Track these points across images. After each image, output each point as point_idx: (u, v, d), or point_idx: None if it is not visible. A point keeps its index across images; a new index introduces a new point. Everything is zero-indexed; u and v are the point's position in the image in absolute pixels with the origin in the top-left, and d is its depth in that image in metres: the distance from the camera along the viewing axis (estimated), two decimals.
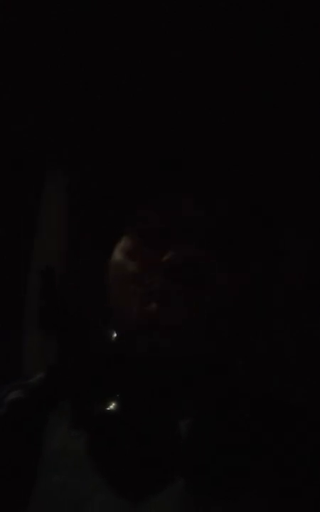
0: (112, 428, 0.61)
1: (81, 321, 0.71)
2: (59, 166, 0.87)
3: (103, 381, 0.65)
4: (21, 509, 0.61)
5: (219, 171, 0.66)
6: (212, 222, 0.63)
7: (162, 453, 0.60)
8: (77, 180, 0.86)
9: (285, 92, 0.74)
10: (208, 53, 0.70)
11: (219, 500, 0.59)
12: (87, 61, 0.71)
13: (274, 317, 0.80)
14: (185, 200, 0.63)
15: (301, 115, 0.76)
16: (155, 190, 0.65)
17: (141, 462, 0.59)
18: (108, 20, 0.66)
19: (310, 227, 0.90)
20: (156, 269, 0.61)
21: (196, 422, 0.62)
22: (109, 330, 0.67)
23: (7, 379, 0.71)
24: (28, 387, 0.68)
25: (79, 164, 0.84)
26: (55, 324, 0.69)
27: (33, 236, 0.94)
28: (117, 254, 0.66)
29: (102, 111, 0.78)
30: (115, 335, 0.67)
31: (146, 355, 0.62)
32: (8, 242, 0.98)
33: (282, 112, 0.76)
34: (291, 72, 0.72)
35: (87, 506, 0.60)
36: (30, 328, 0.91)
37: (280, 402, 0.68)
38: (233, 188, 0.65)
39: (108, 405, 0.62)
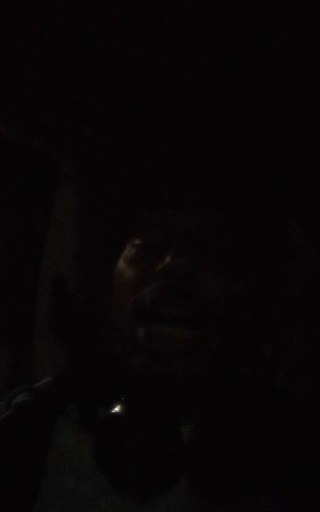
0: (117, 431, 0.61)
1: (90, 326, 0.72)
2: (67, 176, 0.89)
3: (109, 385, 0.66)
4: (27, 511, 0.62)
5: (218, 181, 0.67)
6: (206, 233, 0.64)
7: (166, 455, 0.60)
8: (85, 189, 0.87)
9: (285, 93, 0.73)
10: (208, 61, 0.69)
11: (221, 502, 0.60)
12: (88, 65, 0.71)
13: (282, 320, 0.80)
14: (182, 214, 0.64)
15: (301, 121, 0.76)
16: (156, 201, 0.66)
17: (145, 464, 0.60)
18: (108, 22, 0.66)
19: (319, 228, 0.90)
20: (150, 277, 0.62)
21: (199, 424, 0.62)
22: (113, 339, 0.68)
23: (17, 383, 0.71)
24: (36, 390, 0.69)
25: (86, 174, 0.86)
26: (66, 330, 0.70)
27: (43, 244, 0.95)
28: (120, 262, 0.67)
29: (106, 120, 0.79)
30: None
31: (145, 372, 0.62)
32: (17, 249, 0.99)
33: (282, 119, 0.75)
34: (291, 74, 0.71)
35: (92, 509, 0.60)
36: (39, 334, 0.91)
37: (284, 404, 0.68)
38: (232, 197, 0.66)
39: (113, 409, 0.62)
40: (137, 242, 0.66)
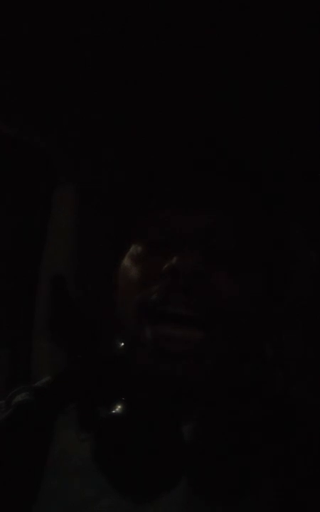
0: (117, 431, 0.61)
1: (90, 326, 0.72)
2: (67, 175, 0.89)
3: (109, 384, 0.66)
4: (26, 511, 0.61)
5: (221, 182, 0.67)
6: (212, 233, 0.64)
7: (166, 455, 0.60)
8: (85, 189, 0.87)
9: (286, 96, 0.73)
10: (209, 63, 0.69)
11: (221, 502, 0.59)
12: (89, 63, 0.71)
13: (283, 320, 0.80)
14: (188, 213, 0.64)
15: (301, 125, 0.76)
16: (156, 202, 0.66)
17: (146, 465, 0.59)
18: (108, 21, 0.65)
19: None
20: (157, 276, 0.62)
21: (199, 424, 0.62)
22: (116, 337, 0.68)
23: (16, 383, 0.71)
24: (35, 389, 0.69)
25: (87, 174, 0.86)
26: (65, 329, 0.70)
27: (42, 244, 0.95)
28: (125, 260, 0.67)
29: (108, 124, 0.79)
30: (122, 344, 0.68)
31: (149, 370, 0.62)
32: (17, 248, 0.99)
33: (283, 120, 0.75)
34: (291, 78, 0.71)
35: (93, 509, 0.60)
36: (38, 333, 0.91)
37: (284, 404, 0.67)
38: (237, 197, 0.66)
39: (114, 408, 0.62)
40: (143, 240, 0.66)
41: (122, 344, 0.68)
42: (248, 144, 0.73)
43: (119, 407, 0.62)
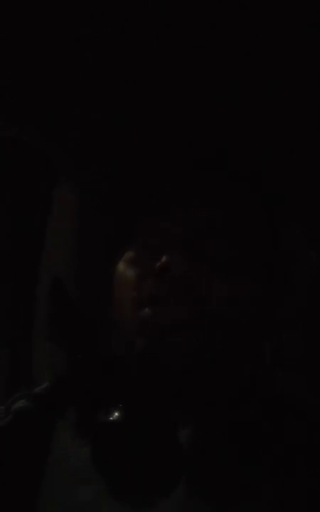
0: (115, 436, 0.60)
1: (90, 326, 0.72)
2: (67, 175, 0.89)
3: (108, 386, 0.65)
4: None
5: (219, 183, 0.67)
6: (211, 234, 0.64)
7: (165, 459, 0.60)
8: (85, 189, 0.87)
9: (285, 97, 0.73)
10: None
11: (221, 506, 0.59)
12: (89, 62, 0.71)
13: (283, 320, 0.79)
14: (184, 212, 0.65)
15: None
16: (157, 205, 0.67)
17: (144, 469, 0.59)
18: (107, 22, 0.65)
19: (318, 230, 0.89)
20: (150, 275, 0.63)
21: (199, 425, 0.62)
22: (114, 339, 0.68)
23: (16, 383, 0.71)
24: (35, 396, 0.69)
25: (87, 174, 0.86)
26: (65, 329, 0.70)
27: (42, 244, 0.95)
28: (121, 264, 0.68)
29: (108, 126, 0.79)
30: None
31: (148, 362, 0.62)
32: (16, 249, 0.99)
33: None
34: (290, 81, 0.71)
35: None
36: (38, 333, 0.91)
37: (284, 404, 0.67)
38: (233, 200, 0.67)
39: (112, 412, 0.61)
40: (136, 245, 0.67)
41: (121, 342, 0.68)
42: (248, 144, 0.73)
43: (118, 410, 0.61)
